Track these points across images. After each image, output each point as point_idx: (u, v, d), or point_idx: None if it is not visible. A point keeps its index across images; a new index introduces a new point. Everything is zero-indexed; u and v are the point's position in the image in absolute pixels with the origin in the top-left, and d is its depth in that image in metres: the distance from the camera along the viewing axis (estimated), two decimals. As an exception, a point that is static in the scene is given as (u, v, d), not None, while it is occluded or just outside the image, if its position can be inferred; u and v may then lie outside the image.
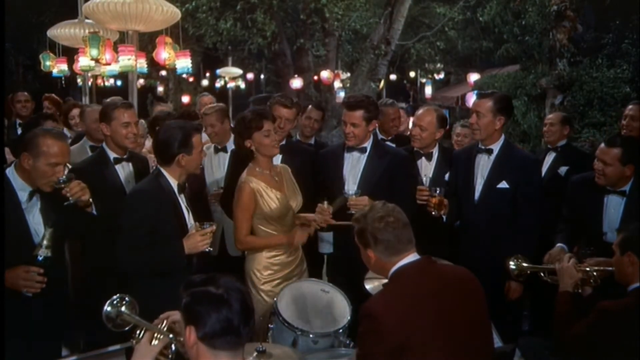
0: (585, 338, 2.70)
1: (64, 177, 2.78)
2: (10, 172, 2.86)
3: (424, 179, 3.78)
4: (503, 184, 3.56)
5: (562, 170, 4.69)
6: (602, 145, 3.52)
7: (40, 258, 2.66)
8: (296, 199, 3.43)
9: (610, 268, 2.91)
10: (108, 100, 3.73)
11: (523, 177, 3.56)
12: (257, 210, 3.30)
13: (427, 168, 4.01)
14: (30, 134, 2.89)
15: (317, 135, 5.29)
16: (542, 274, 3.28)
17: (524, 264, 3.33)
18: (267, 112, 3.51)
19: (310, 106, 5.04)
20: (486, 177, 3.60)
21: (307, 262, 3.72)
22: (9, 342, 2.53)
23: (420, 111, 4.05)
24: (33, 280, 2.67)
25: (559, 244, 3.57)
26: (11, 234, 2.68)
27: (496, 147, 3.61)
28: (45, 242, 2.67)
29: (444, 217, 3.63)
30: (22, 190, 2.82)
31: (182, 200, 3.05)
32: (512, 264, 3.36)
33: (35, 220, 2.85)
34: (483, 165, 3.63)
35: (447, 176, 3.94)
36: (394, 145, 4.41)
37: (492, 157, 3.60)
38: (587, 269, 3.04)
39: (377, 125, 3.88)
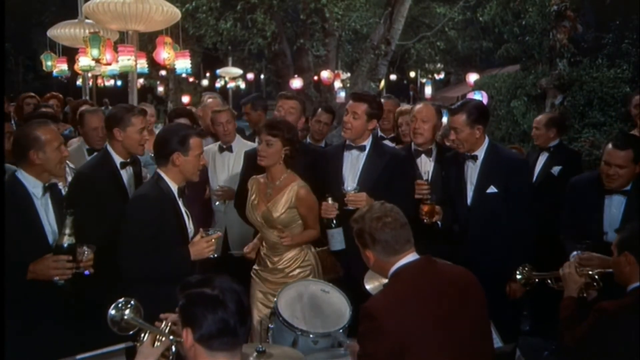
0: (586, 339, 2.71)
1: (87, 249, 2.85)
2: (19, 173, 2.88)
3: (425, 175, 3.77)
4: (492, 189, 3.54)
5: (555, 170, 4.70)
6: (611, 148, 3.38)
7: (65, 245, 2.73)
8: (271, 215, 3.39)
9: (610, 270, 2.92)
10: (121, 105, 3.74)
11: (511, 179, 3.55)
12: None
13: (427, 165, 3.98)
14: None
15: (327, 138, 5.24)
16: (548, 281, 3.28)
17: (530, 273, 3.34)
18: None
19: (320, 109, 5.01)
20: (475, 183, 3.59)
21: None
22: (10, 342, 2.54)
23: (417, 107, 4.04)
24: (64, 267, 2.73)
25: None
26: (27, 231, 2.78)
27: (480, 152, 3.60)
28: (67, 230, 2.74)
29: (439, 223, 3.61)
30: (35, 187, 2.88)
31: (181, 205, 3.04)
32: (518, 274, 3.37)
33: (50, 216, 2.91)
34: (471, 171, 3.63)
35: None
36: (393, 145, 4.41)
37: (479, 162, 3.60)
38: (590, 272, 3.04)
39: (376, 125, 3.88)
